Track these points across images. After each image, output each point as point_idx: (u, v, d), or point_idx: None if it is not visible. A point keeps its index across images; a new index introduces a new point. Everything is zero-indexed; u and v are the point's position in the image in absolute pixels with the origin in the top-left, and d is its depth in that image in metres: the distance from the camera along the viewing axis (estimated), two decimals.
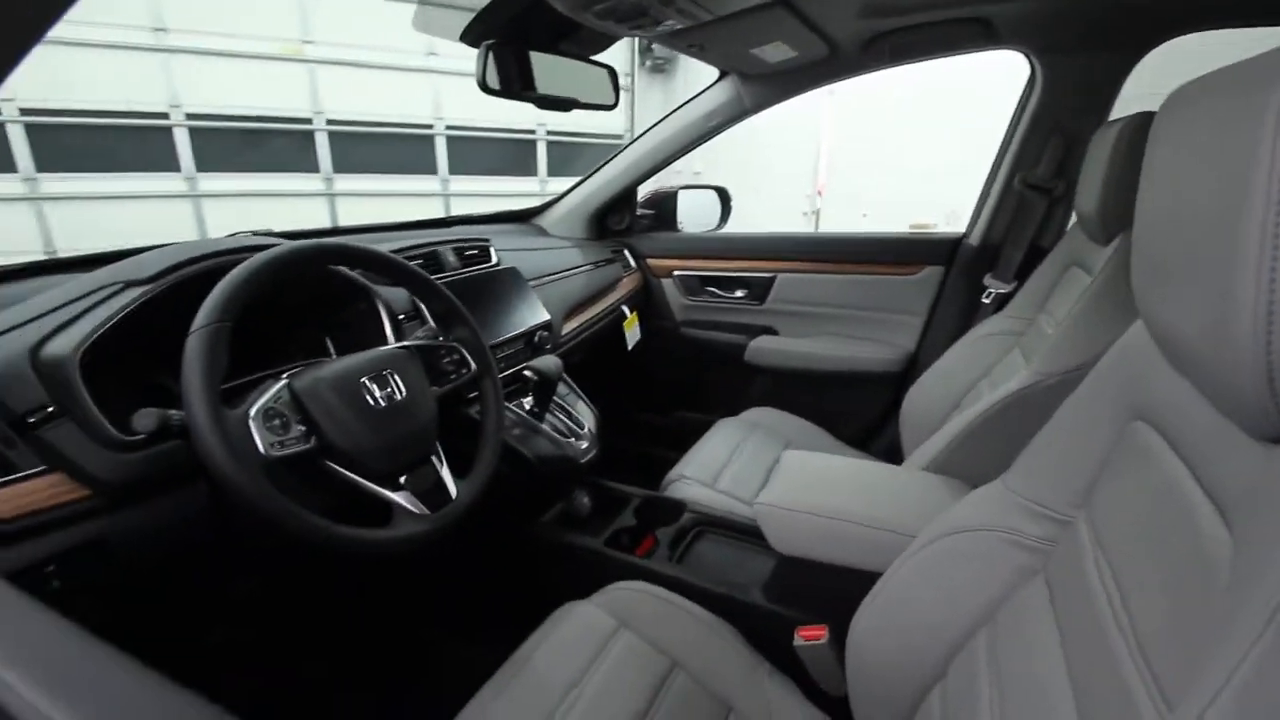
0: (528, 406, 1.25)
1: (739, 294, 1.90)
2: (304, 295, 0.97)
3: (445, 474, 0.87)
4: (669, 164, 1.79)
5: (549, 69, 1.25)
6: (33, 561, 0.62)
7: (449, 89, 5.97)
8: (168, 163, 4.97)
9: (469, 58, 1.20)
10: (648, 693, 0.80)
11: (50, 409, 0.65)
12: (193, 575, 0.91)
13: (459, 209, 6.34)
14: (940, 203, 5.12)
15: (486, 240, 1.40)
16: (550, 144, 6.84)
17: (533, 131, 6.71)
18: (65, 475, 0.65)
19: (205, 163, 5.11)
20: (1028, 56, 1.43)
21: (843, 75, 1.54)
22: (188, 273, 0.80)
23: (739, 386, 1.93)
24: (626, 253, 1.96)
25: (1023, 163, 1.51)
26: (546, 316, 1.38)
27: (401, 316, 1.03)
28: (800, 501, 0.97)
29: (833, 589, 0.88)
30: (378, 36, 5.46)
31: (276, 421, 0.72)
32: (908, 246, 1.73)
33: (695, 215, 2.10)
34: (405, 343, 0.93)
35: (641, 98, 6.99)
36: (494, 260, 1.38)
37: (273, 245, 0.80)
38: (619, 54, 6.43)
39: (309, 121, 5.50)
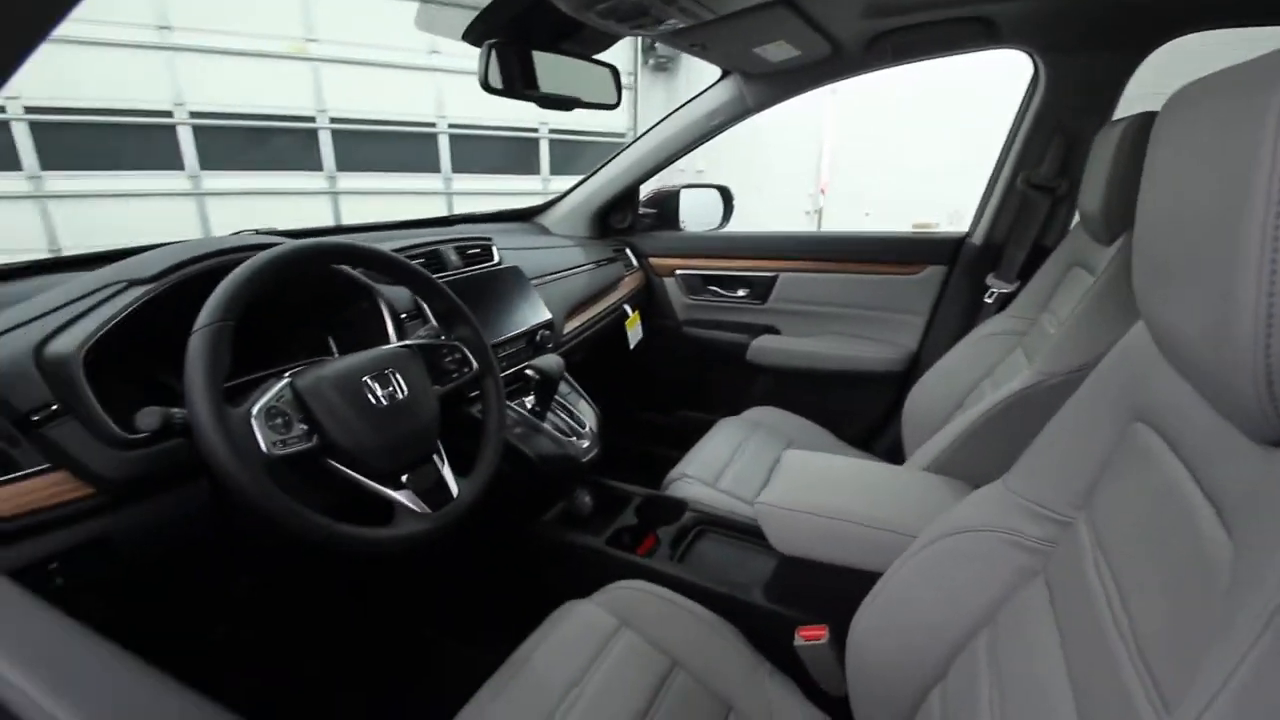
0: (529, 405, 1.25)
1: (741, 293, 1.90)
2: (306, 294, 0.97)
3: (447, 473, 0.87)
4: (671, 163, 1.79)
5: (551, 68, 1.25)
6: (36, 559, 0.63)
7: (452, 87, 5.97)
8: (172, 161, 4.98)
9: (472, 56, 1.20)
10: (648, 692, 0.80)
11: (54, 407, 0.66)
12: (195, 573, 0.92)
13: (462, 207, 6.35)
14: (943, 202, 5.10)
15: (489, 239, 1.40)
16: (553, 142, 6.84)
17: (535, 130, 6.71)
18: (69, 473, 0.65)
19: (209, 161, 5.12)
20: (1031, 56, 1.42)
21: (845, 74, 1.54)
22: (190, 271, 0.80)
23: (741, 386, 1.93)
24: (628, 251, 1.96)
25: (1026, 162, 1.50)
26: (548, 315, 1.38)
27: (404, 315, 1.03)
28: (801, 501, 0.97)
29: (833, 589, 0.88)
30: (381, 35, 5.46)
31: (279, 420, 0.72)
32: (910, 246, 1.73)
33: (697, 214, 2.10)
34: (407, 342, 0.93)
35: (644, 96, 6.99)
36: (496, 259, 1.39)
37: (275, 244, 0.80)
38: (622, 52, 6.43)
39: (312, 120, 5.51)
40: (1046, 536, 0.62)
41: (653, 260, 2.00)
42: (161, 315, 0.75)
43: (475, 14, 1.16)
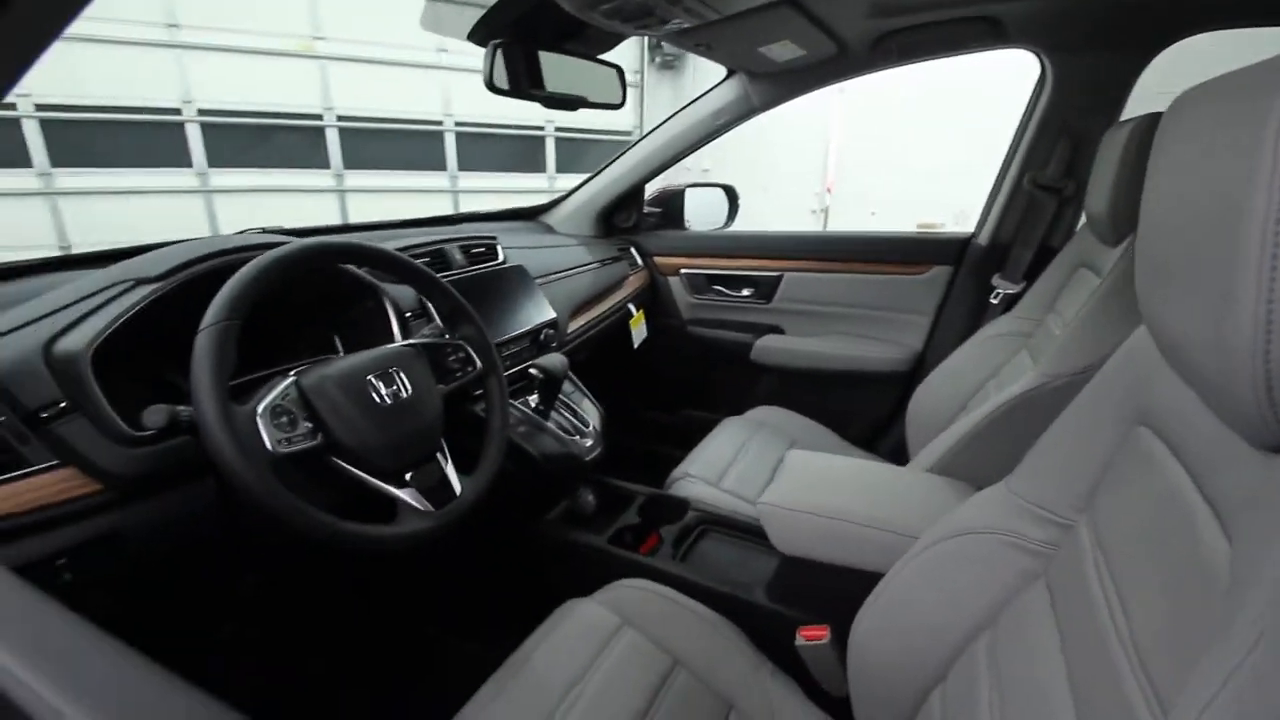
0: (533, 404, 1.26)
1: (746, 292, 1.90)
2: (312, 293, 0.98)
3: (450, 471, 0.87)
4: (677, 162, 1.79)
5: (556, 68, 1.25)
6: (44, 555, 0.63)
7: (459, 85, 5.98)
8: (180, 158, 5.01)
9: (478, 54, 1.20)
10: (649, 691, 0.80)
11: (63, 404, 0.66)
12: (201, 571, 0.93)
13: (468, 205, 6.36)
14: (948, 202, 5.08)
15: (493, 238, 1.41)
16: (559, 140, 6.84)
17: (541, 128, 6.71)
18: (77, 470, 0.66)
19: (217, 158, 5.14)
20: (1038, 56, 1.42)
21: (851, 74, 1.53)
22: (197, 270, 0.81)
23: (745, 385, 1.93)
24: (633, 250, 1.96)
25: (1032, 162, 1.50)
26: (552, 314, 1.38)
27: (408, 314, 1.04)
28: (803, 502, 0.97)
29: (835, 589, 0.88)
30: (388, 33, 5.48)
31: (284, 418, 0.73)
32: (916, 246, 1.72)
33: (702, 213, 2.10)
34: (412, 341, 0.94)
35: (650, 94, 6.98)
36: (501, 258, 1.39)
37: (281, 243, 0.81)
38: (628, 51, 6.42)
39: (320, 118, 5.53)
40: (1048, 539, 0.62)
41: (657, 259, 2.00)
42: (169, 314, 0.76)
43: (481, 14, 1.17)
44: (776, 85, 1.59)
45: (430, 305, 1.05)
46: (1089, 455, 0.60)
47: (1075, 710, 0.46)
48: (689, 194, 2.08)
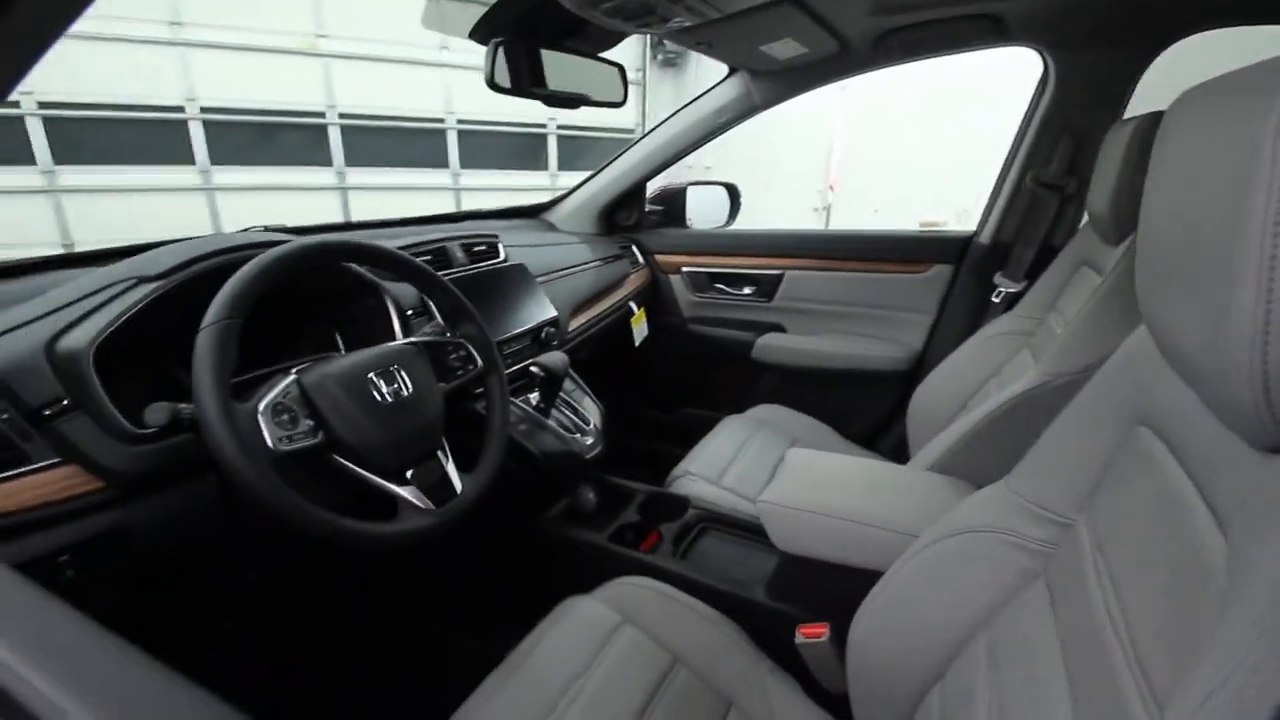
0: (534, 402, 1.26)
1: (747, 291, 1.90)
2: (314, 291, 0.98)
3: (451, 469, 0.88)
4: (678, 160, 1.79)
5: (557, 66, 1.25)
6: (47, 552, 0.64)
7: (461, 83, 5.98)
8: (183, 156, 5.02)
9: (480, 52, 1.20)
10: (649, 688, 0.80)
11: (65, 402, 0.67)
12: (203, 568, 0.93)
13: (470, 202, 6.36)
14: (950, 201, 5.07)
15: (495, 236, 1.41)
16: (561, 138, 6.84)
17: (544, 126, 6.71)
18: (79, 467, 0.67)
19: (220, 156, 5.16)
20: (1040, 53, 1.41)
21: (853, 71, 1.53)
22: (199, 268, 0.81)
23: (746, 383, 1.93)
24: (635, 249, 1.96)
25: (1034, 160, 1.49)
26: (553, 313, 1.38)
27: (410, 312, 1.04)
28: (803, 500, 0.97)
29: (835, 588, 0.88)
30: (390, 30, 5.48)
31: (285, 416, 0.73)
32: (917, 244, 1.72)
33: (704, 211, 2.09)
34: (413, 339, 0.94)
35: (653, 92, 6.97)
36: (502, 256, 1.39)
37: (283, 242, 0.81)
38: (631, 48, 6.41)
39: (322, 115, 5.54)
40: (1048, 538, 0.62)
41: (659, 257, 1.99)
42: (171, 311, 0.76)
43: (482, 12, 1.17)
44: (778, 83, 1.59)
45: (431, 303, 1.05)
46: (1089, 455, 0.60)
47: (1072, 709, 0.46)
48: (690, 192, 2.08)
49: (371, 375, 0.81)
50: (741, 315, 1.92)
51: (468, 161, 6.34)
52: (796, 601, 1.00)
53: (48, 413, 0.66)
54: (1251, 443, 0.37)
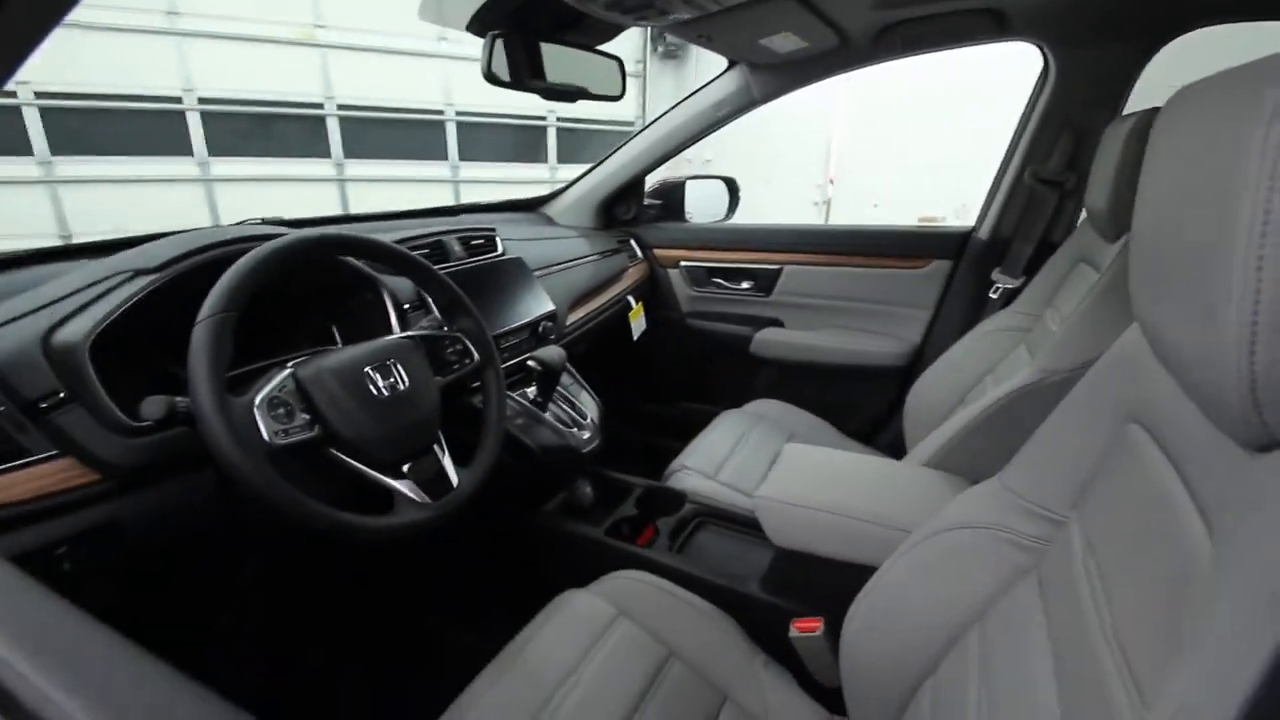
0: (531, 396, 1.26)
1: (745, 285, 1.90)
2: (310, 284, 0.98)
3: (447, 463, 0.88)
4: (678, 153, 1.78)
5: (556, 59, 1.24)
6: (43, 544, 0.64)
7: (460, 74, 5.95)
8: (181, 147, 5.00)
9: (479, 43, 1.19)
10: (644, 681, 0.81)
11: (61, 395, 0.67)
12: (199, 561, 0.93)
13: (469, 195, 6.35)
14: (949, 196, 5.06)
15: (492, 229, 1.40)
16: (561, 131, 6.81)
17: (543, 118, 6.68)
18: (75, 460, 0.67)
19: (217, 147, 5.13)
20: (1040, 48, 1.41)
21: (853, 66, 1.52)
22: (195, 261, 0.81)
23: (744, 378, 1.93)
24: (633, 243, 1.96)
25: (1034, 156, 1.49)
26: (551, 307, 1.38)
27: (407, 306, 1.04)
28: (799, 495, 0.97)
29: (829, 582, 0.89)
30: (389, 21, 5.44)
31: (281, 410, 0.73)
32: (916, 240, 1.72)
33: (703, 205, 2.09)
34: (410, 332, 0.94)
35: (653, 84, 6.93)
36: (500, 250, 1.39)
37: (279, 235, 0.81)
38: (631, 40, 6.38)
39: (320, 106, 5.51)
40: (1040, 534, 0.62)
41: (657, 251, 1.99)
42: (167, 304, 0.76)
43: (479, 4, 1.16)
44: (778, 77, 1.58)
45: (428, 297, 1.05)
46: (1082, 451, 0.60)
47: (1060, 703, 0.47)
48: (689, 186, 2.07)
49: (368, 369, 0.81)
50: (740, 310, 1.92)
51: (467, 154, 6.31)
52: (791, 595, 1.00)
53: (44, 405, 0.66)
54: (1238, 441, 0.37)
